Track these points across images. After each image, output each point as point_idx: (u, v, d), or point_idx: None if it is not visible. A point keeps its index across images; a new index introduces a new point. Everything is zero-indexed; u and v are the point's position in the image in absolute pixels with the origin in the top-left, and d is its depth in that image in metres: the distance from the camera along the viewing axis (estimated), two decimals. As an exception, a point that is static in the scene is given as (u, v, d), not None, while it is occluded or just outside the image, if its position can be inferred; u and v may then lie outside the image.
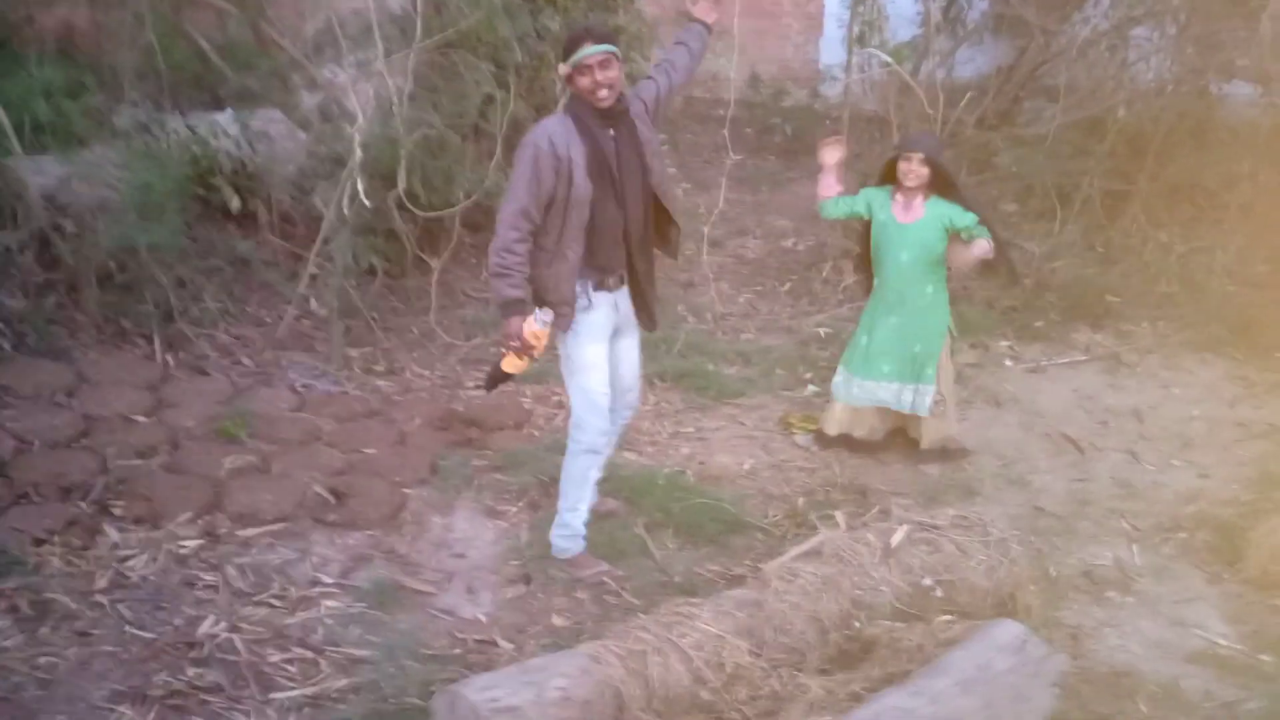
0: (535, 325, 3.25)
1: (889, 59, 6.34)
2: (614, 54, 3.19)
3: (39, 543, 3.39)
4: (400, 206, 5.31)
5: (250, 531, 3.60)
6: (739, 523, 3.84)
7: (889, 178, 4.21)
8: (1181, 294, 6.02)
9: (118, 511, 3.59)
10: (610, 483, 4.04)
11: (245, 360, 4.77)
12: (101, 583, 3.27)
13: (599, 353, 3.39)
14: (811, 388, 4.97)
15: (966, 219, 4.07)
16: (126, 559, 3.39)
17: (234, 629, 3.12)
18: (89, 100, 5.68)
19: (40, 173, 4.96)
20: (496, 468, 4.19)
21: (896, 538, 3.17)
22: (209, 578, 3.35)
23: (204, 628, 3.11)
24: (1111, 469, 4.48)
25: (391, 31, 5.64)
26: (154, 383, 4.37)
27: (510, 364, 3.31)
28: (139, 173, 4.89)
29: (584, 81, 3.17)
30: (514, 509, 3.91)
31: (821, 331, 5.61)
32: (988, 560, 3.23)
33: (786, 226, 7.24)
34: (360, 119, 4.91)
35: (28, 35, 6.51)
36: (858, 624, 2.96)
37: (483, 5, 5.58)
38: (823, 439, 4.43)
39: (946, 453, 4.36)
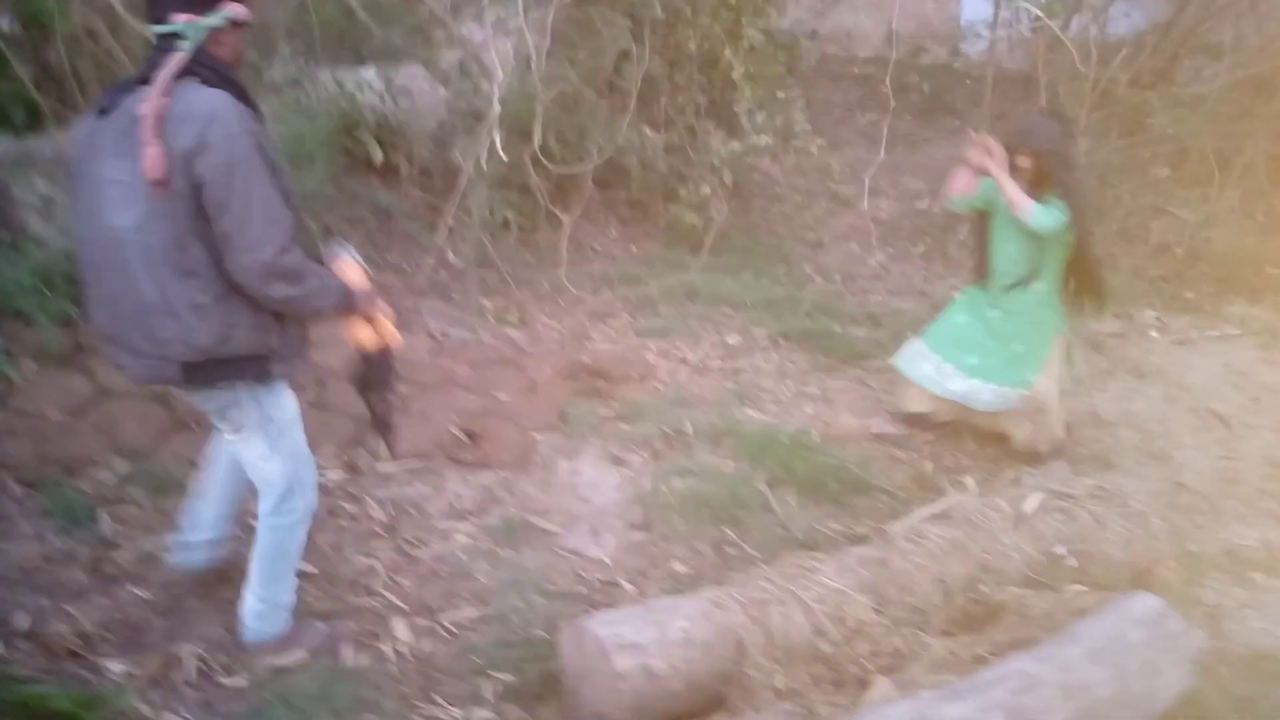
0: (355, 262, 2.63)
1: (1040, 13, 6.07)
2: None
3: (197, 467, 3.64)
4: (535, 162, 5.42)
5: (390, 468, 3.78)
6: (863, 483, 3.81)
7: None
8: (1351, 267, 5.63)
9: (269, 442, 3.82)
10: (732, 438, 4.08)
11: (387, 306, 4.95)
12: (252, 507, 3.49)
13: (294, 397, 2.68)
14: (942, 352, 4.86)
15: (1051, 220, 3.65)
16: (276, 487, 3.60)
17: (373, 557, 3.29)
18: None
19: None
20: (621, 417, 4.27)
21: (1030, 504, 3.10)
22: (351, 508, 3.54)
23: (346, 555, 3.29)
24: (1263, 448, 4.25)
25: (530, -14, 5.71)
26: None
27: (383, 330, 2.67)
28: (291, 125, 5.14)
29: (239, 43, 2.39)
30: (638, 458, 3.98)
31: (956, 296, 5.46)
32: (1125, 533, 3.12)
33: (921, 187, 7.06)
34: (499, 75, 5.01)
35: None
36: (985, 589, 2.91)
37: (622, -42, 5.60)
38: (904, 416, 4.22)
39: (1036, 456, 3.97)
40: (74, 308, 4.04)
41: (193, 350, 2.35)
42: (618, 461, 3.97)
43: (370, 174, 5.61)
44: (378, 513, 3.53)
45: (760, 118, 5.96)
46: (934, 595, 2.88)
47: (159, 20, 2.30)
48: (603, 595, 3.20)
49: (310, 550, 3.30)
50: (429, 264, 5.26)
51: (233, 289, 2.34)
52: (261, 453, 2.62)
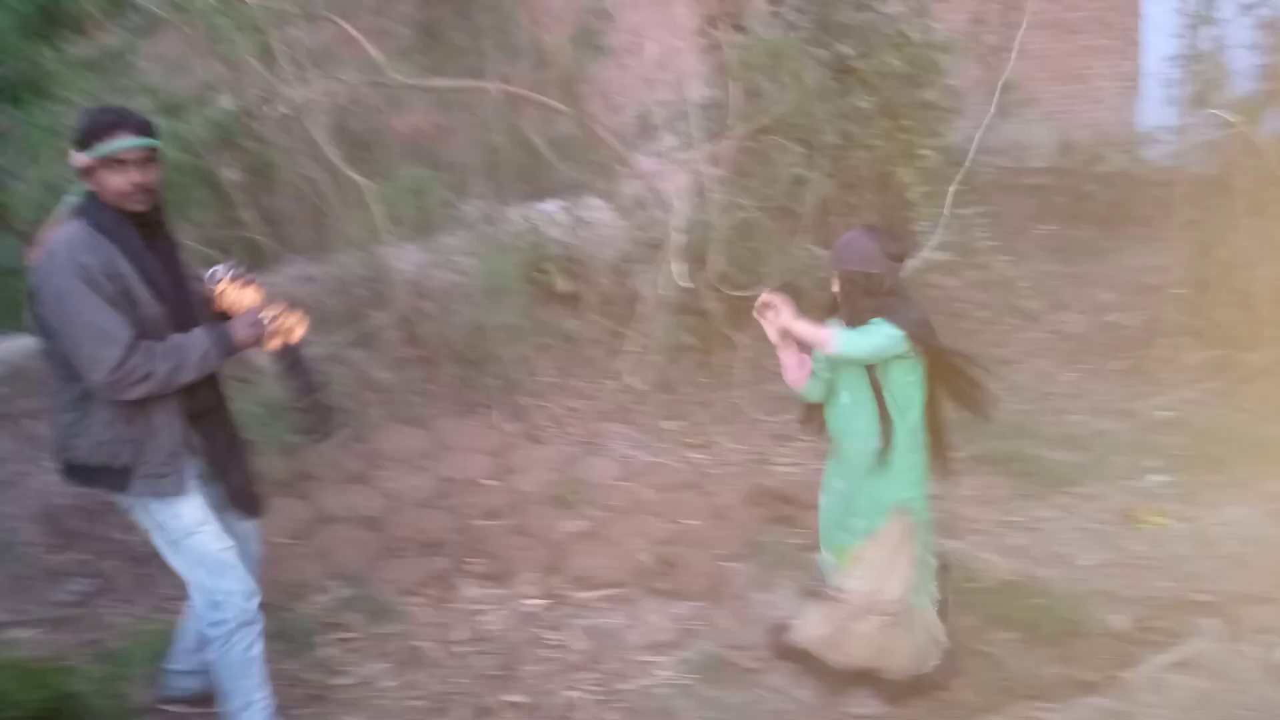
0: (241, 286, 2.65)
1: (1233, 118, 5.83)
2: (157, 150, 2.56)
3: (407, 593, 3.78)
4: (711, 287, 5.52)
5: (587, 594, 3.81)
6: (1083, 623, 3.56)
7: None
8: None
9: (472, 568, 3.93)
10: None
11: (574, 430, 5.09)
12: (461, 634, 3.58)
13: (198, 504, 2.68)
14: (1156, 477, 4.56)
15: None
16: (480, 613, 3.69)
17: (578, 690, 3.29)
18: (439, 194, 6.42)
19: (403, 260, 5.64)
20: (813, 547, 4.15)
21: (1287, 655, 2.82)
22: (553, 637, 3.58)
23: (552, 686, 3.30)
24: None
25: (702, 120, 5.94)
26: (498, 449, 4.77)
27: (284, 329, 2.64)
28: (486, 259, 5.44)
29: (115, 180, 2.48)
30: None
31: (1164, 415, 5.15)
32: (1404, 690, 2.79)
33: (1109, 300, 6.78)
34: (676, 206, 5.19)
35: (388, 139, 7.49)
36: (1245, 750, 2.65)
37: (796, 90, 5.74)
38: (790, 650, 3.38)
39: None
40: (294, 436, 4.32)
41: (53, 454, 2.62)
42: (814, 595, 3.85)
43: (556, 302, 5.84)
44: (579, 643, 3.54)
45: (939, 234, 5.89)
46: (1186, 756, 2.64)
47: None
48: (814, 739, 3.09)
49: (518, 680, 3.35)
50: (612, 388, 5.38)
51: (82, 402, 2.54)
52: (173, 564, 2.75)
